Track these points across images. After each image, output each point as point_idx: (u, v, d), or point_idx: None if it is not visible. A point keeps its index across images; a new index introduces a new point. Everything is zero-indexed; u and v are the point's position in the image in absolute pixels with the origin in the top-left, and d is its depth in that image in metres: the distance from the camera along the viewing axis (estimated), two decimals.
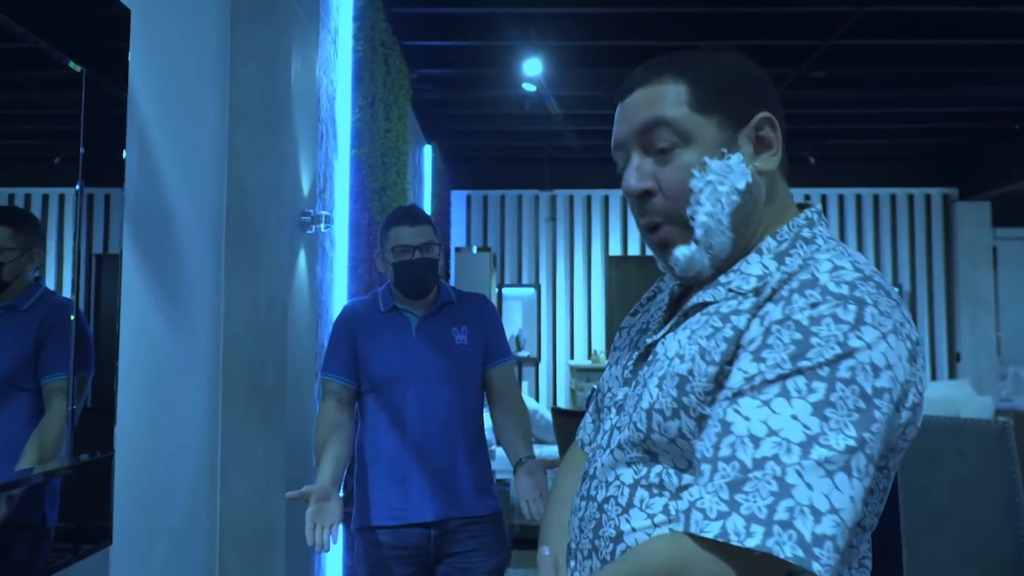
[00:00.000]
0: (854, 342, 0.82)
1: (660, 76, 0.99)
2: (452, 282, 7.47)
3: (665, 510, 0.92)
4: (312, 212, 2.71)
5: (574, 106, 6.61)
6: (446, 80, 6.16)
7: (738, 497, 0.80)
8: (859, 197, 8.91)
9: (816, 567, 0.77)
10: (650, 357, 1.02)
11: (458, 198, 8.72)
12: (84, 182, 1.66)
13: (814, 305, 0.85)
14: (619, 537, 0.94)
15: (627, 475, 0.96)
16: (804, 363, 0.82)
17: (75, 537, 1.69)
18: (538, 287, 8.53)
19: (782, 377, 0.83)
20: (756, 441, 0.81)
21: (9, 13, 1.39)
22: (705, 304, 0.98)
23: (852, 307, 0.84)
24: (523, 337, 8.43)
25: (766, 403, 0.83)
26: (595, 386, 1.23)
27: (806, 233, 0.98)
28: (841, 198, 8.90)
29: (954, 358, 8.76)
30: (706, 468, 0.84)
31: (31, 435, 1.66)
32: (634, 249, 8.81)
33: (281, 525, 2.48)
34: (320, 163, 3.04)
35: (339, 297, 3.36)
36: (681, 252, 0.97)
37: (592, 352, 8.44)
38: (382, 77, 4.07)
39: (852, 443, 0.79)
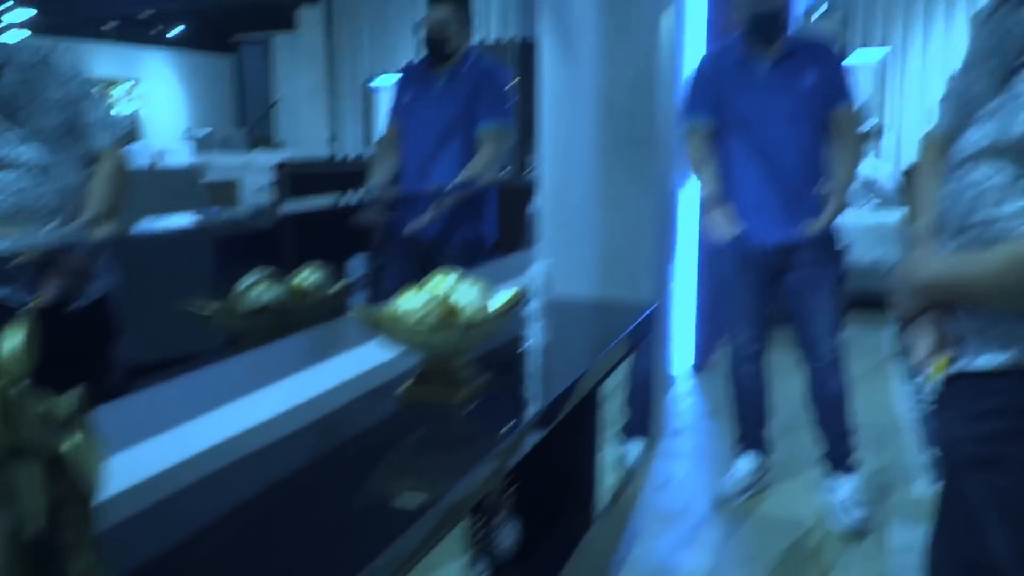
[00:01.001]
0: None
1: None
2: None
3: None
4: None
5: None
6: None
7: None
8: None
9: None
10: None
11: None
12: None
13: None
14: (995, 220, 1.18)
15: (1004, 175, 1.17)
16: None
17: (511, 237, 2.30)
18: (892, 47, 8.02)
19: None
20: None
21: None
22: None
23: None
24: (871, 104, 8.09)
25: None
26: (951, 85, 1.43)
27: None
28: None
29: None
30: None
31: (475, 161, 2.27)
32: None
33: (647, 247, 2.99)
34: None
35: (695, 55, 3.65)
36: None
37: None
38: None
39: None
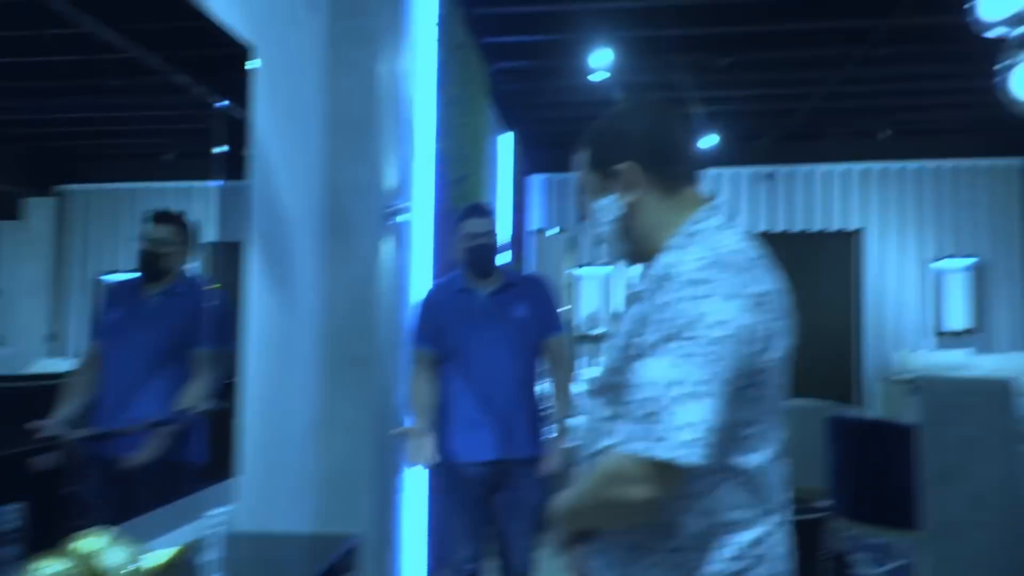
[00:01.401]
0: (702, 309, 1.24)
1: (582, 143, 1.48)
2: (532, 263, 7.90)
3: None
4: (396, 204, 3.18)
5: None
6: (524, 72, 6.54)
7: (640, 426, 1.22)
8: (936, 170, 8.90)
9: (690, 460, 1.19)
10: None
11: (537, 182, 9.12)
12: (225, 178, 2.16)
13: (677, 290, 1.26)
14: (603, 451, 1.37)
15: (604, 411, 1.40)
16: (672, 331, 1.24)
17: (211, 467, 2.19)
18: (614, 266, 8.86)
19: (661, 342, 1.24)
20: (647, 386, 1.23)
21: (168, 57, 1.89)
22: (638, 291, 1.40)
23: (700, 287, 1.25)
24: (599, 314, 8.80)
25: (653, 360, 1.24)
26: None
27: (693, 230, 1.38)
28: (918, 171, 8.92)
29: None
30: (628, 407, 1.28)
31: (185, 390, 2.17)
32: None
33: (367, 472, 2.97)
34: (403, 160, 3.50)
35: (421, 277, 3.83)
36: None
37: None
38: (460, 76, 4.50)
39: (707, 376, 1.21)
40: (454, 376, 2.90)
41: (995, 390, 2.85)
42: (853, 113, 7.98)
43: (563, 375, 2.99)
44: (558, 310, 3.08)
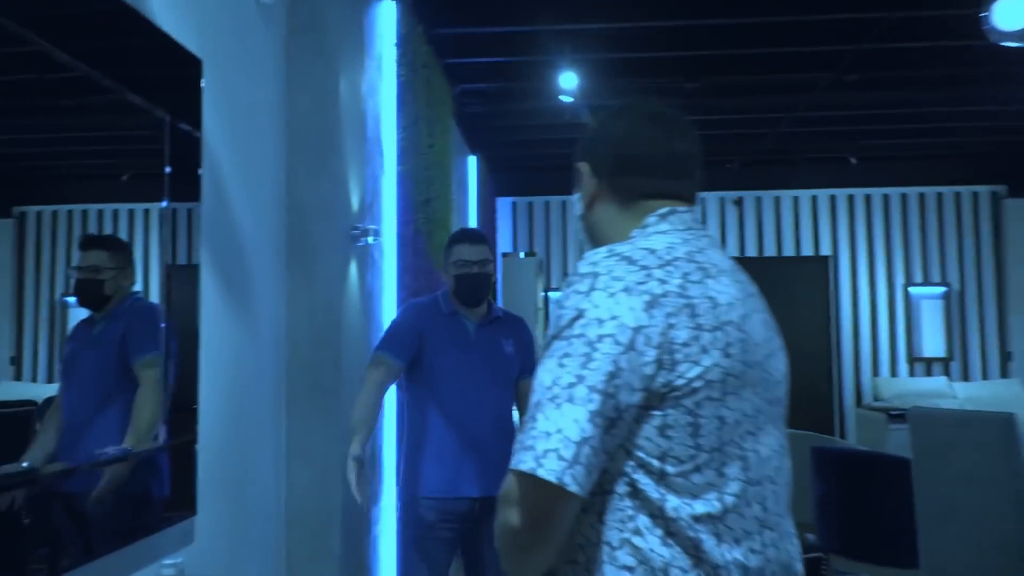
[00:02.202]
0: (584, 304, 1.10)
1: None
2: (500, 286, 7.73)
3: None
4: (361, 226, 2.99)
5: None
6: (488, 94, 6.41)
7: (520, 436, 1.08)
8: (904, 196, 8.91)
9: (541, 472, 1.02)
10: None
11: (504, 205, 8.97)
12: (170, 199, 1.97)
13: (569, 285, 1.16)
14: None
15: None
16: (557, 330, 1.12)
17: (169, 506, 1.97)
18: None
19: (550, 341, 1.12)
20: (534, 391, 1.10)
21: (108, 71, 1.69)
22: None
23: (588, 280, 1.13)
24: None
25: (543, 361, 1.12)
26: None
27: (634, 234, 1.26)
28: (886, 198, 8.92)
29: (1006, 357, 8.70)
30: None
31: (131, 418, 1.96)
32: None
33: (338, 507, 2.75)
34: (368, 180, 3.31)
35: (388, 302, 3.63)
36: None
37: None
38: (424, 96, 4.34)
39: (573, 379, 1.06)
40: (429, 405, 2.76)
41: (997, 424, 2.71)
42: (821, 139, 7.95)
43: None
44: (535, 352, 2.97)
